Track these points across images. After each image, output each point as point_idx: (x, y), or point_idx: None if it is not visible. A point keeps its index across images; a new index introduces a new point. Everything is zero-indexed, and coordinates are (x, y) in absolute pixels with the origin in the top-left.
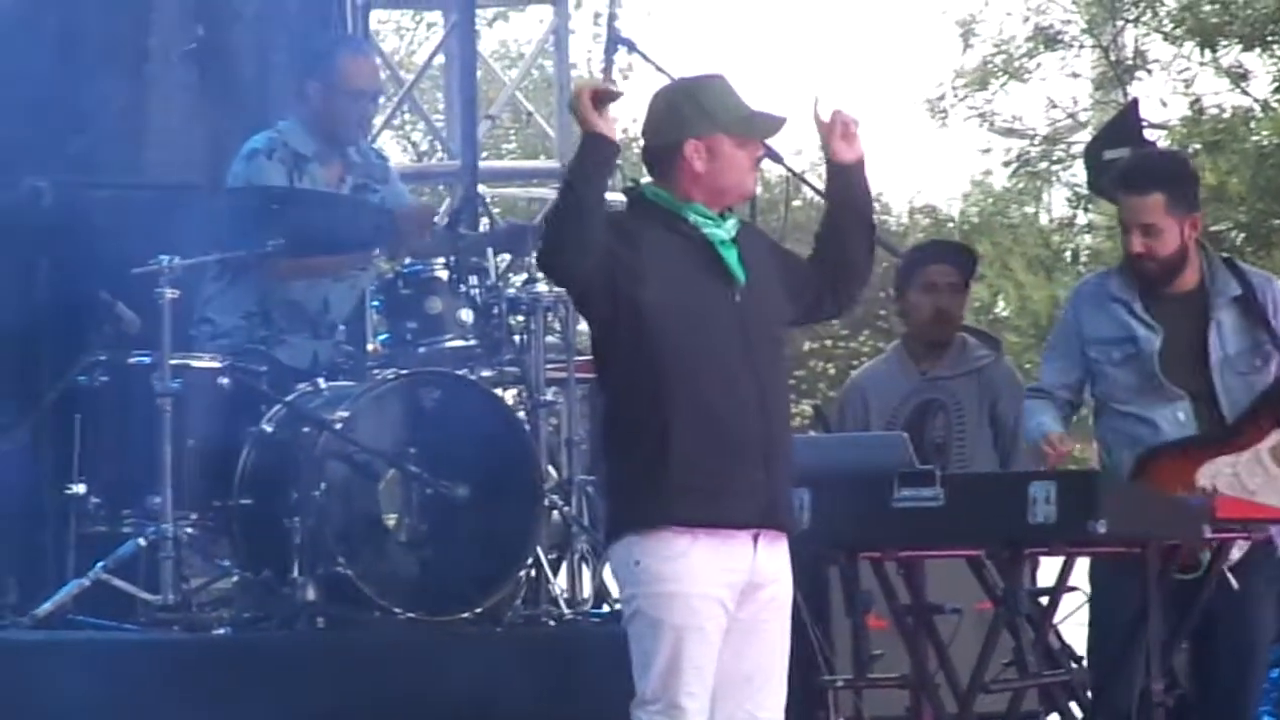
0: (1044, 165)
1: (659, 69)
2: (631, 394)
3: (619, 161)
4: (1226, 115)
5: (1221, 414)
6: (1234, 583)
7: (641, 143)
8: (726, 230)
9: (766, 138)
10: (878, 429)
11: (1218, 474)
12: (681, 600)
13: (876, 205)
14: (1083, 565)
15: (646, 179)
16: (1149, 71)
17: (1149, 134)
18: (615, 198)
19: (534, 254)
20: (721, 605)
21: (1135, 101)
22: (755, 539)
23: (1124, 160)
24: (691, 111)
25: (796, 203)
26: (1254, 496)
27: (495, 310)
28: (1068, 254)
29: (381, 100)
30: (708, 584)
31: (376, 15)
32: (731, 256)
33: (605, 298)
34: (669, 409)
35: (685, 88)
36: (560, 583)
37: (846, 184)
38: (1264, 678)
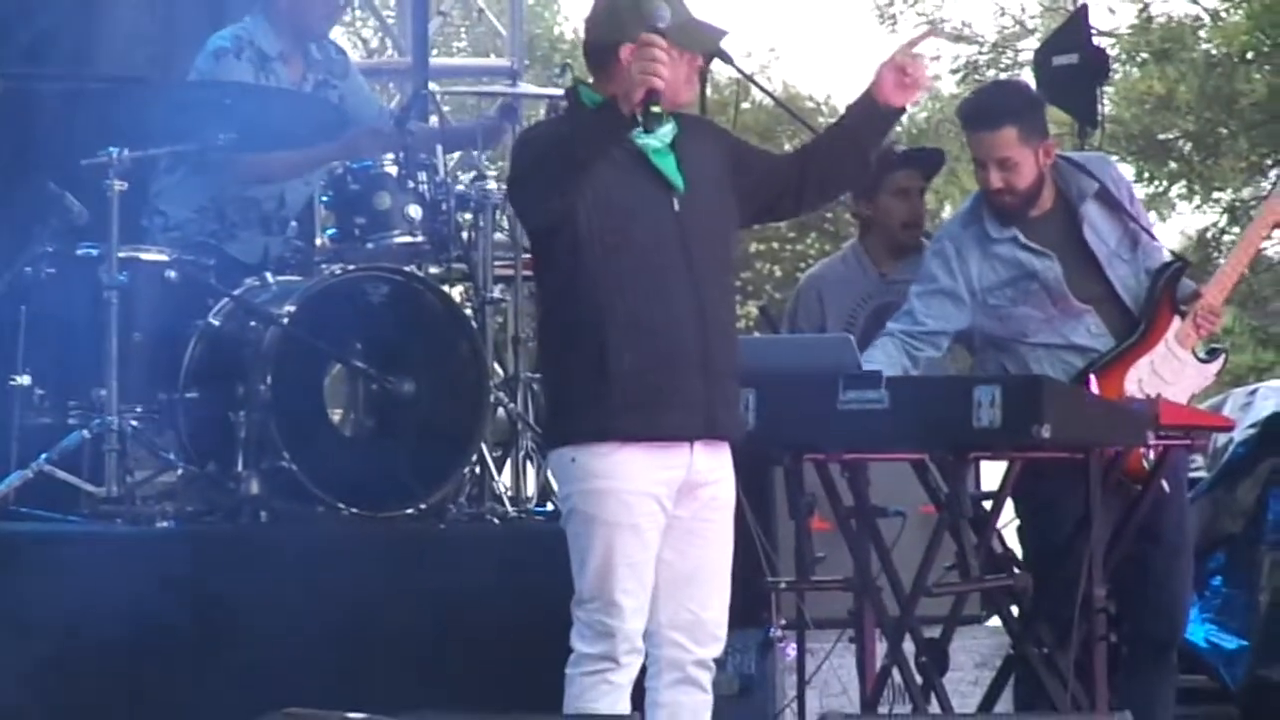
0: (992, 72)
1: None
2: (568, 305)
3: (569, 61)
4: (1175, 23)
5: (1125, 306)
6: (1165, 486)
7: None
8: (660, 138)
9: (703, 49)
10: (834, 328)
11: (1140, 375)
12: (614, 497)
13: (824, 108)
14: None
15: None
16: None
17: (1097, 41)
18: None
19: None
20: (657, 502)
21: (1084, 8)
22: (692, 444)
23: (967, 98)
24: (630, 15)
25: (745, 105)
26: (1171, 386)
27: (443, 207)
28: None
29: None
30: (643, 481)
31: None
32: (668, 164)
33: (546, 212)
34: (605, 322)
35: None
36: (504, 480)
37: (873, 121)
38: (1189, 574)
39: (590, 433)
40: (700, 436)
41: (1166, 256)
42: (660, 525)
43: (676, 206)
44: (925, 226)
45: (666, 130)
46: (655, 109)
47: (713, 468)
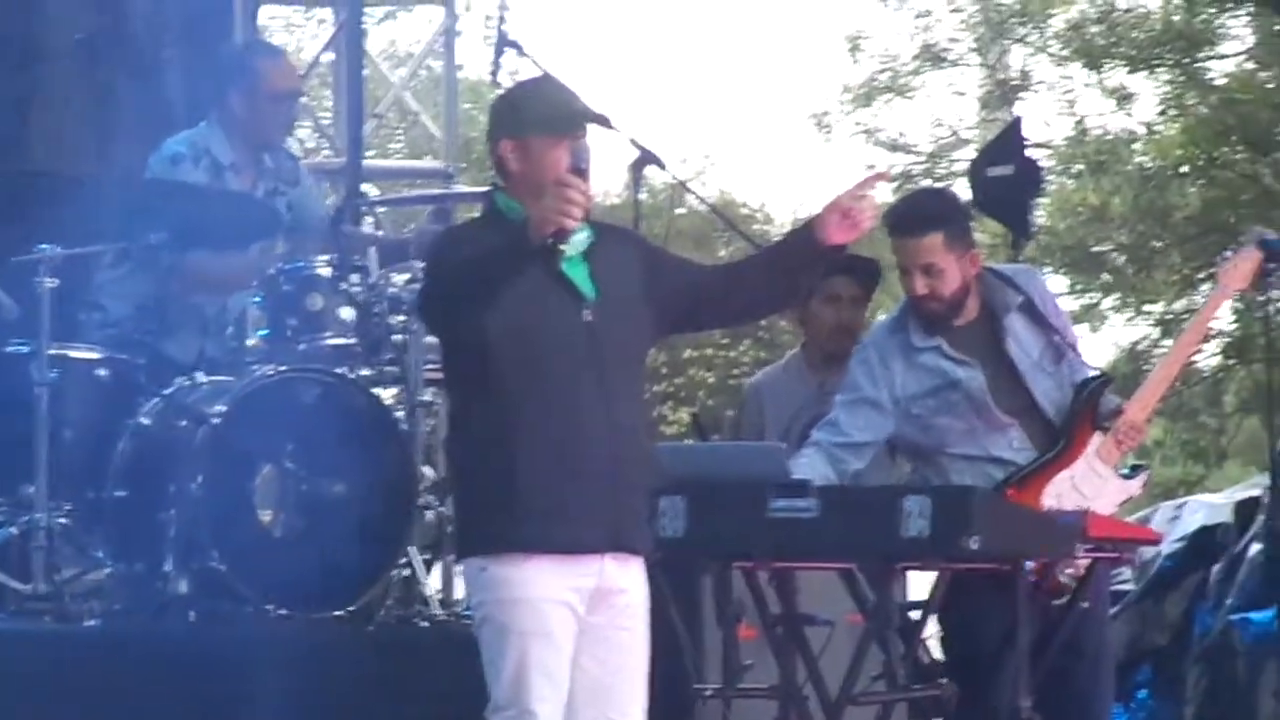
0: (927, 182)
1: (546, 74)
2: (477, 414)
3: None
4: (1110, 136)
5: (1048, 420)
6: (1084, 602)
7: None
8: (574, 246)
9: (569, 133)
10: (772, 437)
11: (1059, 490)
12: (527, 606)
13: (760, 215)
14: (926, 580)
15: None
16: (1034, 91)
17: (1032, 153)
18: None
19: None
20: (570, 609)
21: (1018, 120)
22: (603, 555)
23: (893, 205)
24: (507, 113)
25: (681, 211)
26: (1090, 502)
27: (376, 309)
28: None
29: None
30: (554, 589)
31: (266, 11)
32: (580, 273)
33: (450, 321)
34: (513, 434)
35: (510, 90)
36: (433, 583)
37: (810, 255)
38: (1111, 687)
39: (499, 544)
40: (607, 549)
41: (1091, 372)
42: (573, 631)
43: (588, 316)
44: (862, 333)
45: (581, 239)
46: (562, 246)
47: (624, 579)
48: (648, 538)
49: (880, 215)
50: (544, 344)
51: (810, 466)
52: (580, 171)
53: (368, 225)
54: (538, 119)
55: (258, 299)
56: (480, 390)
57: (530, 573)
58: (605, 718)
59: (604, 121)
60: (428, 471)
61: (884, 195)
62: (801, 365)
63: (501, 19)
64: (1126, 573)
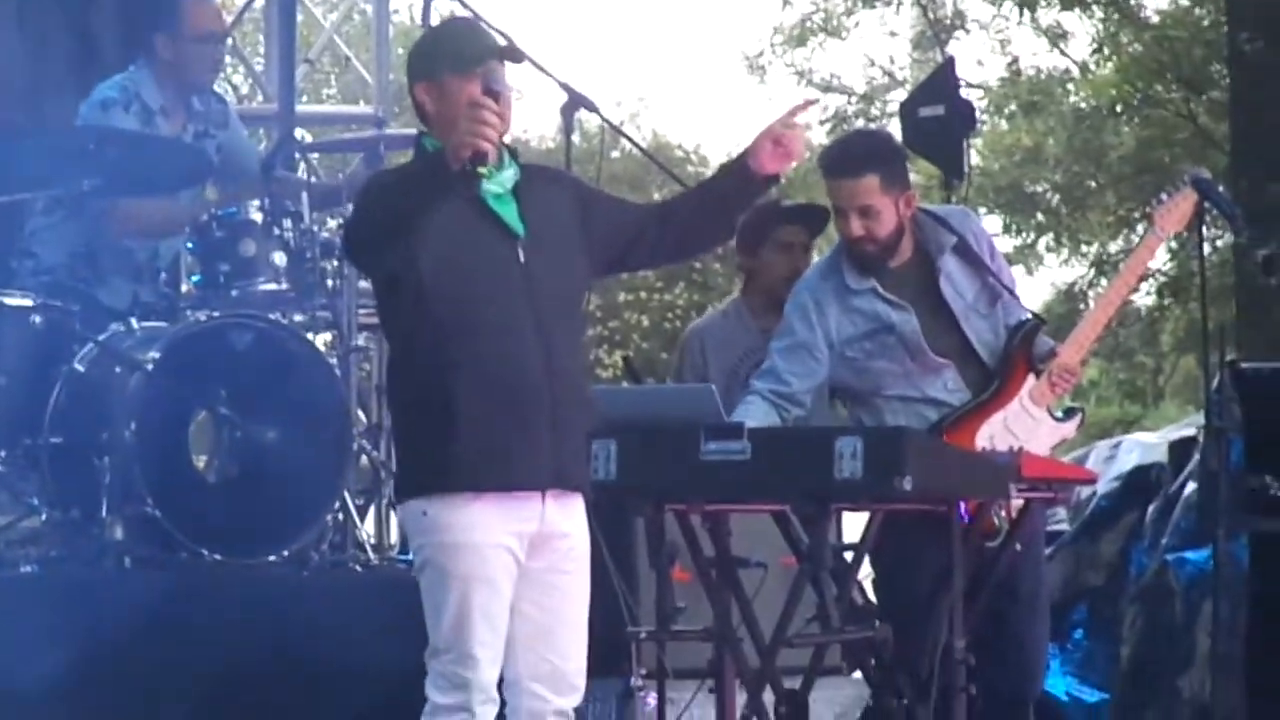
0: (861, 123)
1: (477, 17)
2: (414, 356)
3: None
4: (1044, 76)
5: (982, 361)
6: (1018, 545)
7: None
8: (500, 183)
9: (479, 66)
10: (717, 380)
11: (993, 431)
12: (469, 550)
13: (694, 157)
14: (860, 521)
15: None
16: (967, 31)
17: (965, 93)
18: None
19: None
20: (510, 553)
21: (951, 60)
22: (543, 496)
23: (829, 146)
24: (419, 58)
25: (615, 154)
26: (1023, 444)
27: (309, 254)
28: None
29: None
30: (496, 533)
31: None
32: (509, 211)
33: (379, 259)
34: (452, 374)
35: (420, 37)
36: (367, 528)
37: (745, 187)
38: (1046, 629)
39: (439, 485)
40: (549, 488)
41: (1026, 315)
42: (513, 575)
43: (522, 256)
44: None
45: (508, 176)
46: (481, 170)
47: (565, 522)
48: (588, 477)
49: (816, 157)
50: (479, 284)
51: (753, 416)
52: (494, 94)
53: (300, 170)
54: (446, 57)
55: (190, 245)
56: (416, 330)
57: (473, 516)
58: (545, 661)
59: (516, 54)
60: (361, 416)
61: (818, 137)
62: (743, 311)
63: None
64: (1061, 513)
